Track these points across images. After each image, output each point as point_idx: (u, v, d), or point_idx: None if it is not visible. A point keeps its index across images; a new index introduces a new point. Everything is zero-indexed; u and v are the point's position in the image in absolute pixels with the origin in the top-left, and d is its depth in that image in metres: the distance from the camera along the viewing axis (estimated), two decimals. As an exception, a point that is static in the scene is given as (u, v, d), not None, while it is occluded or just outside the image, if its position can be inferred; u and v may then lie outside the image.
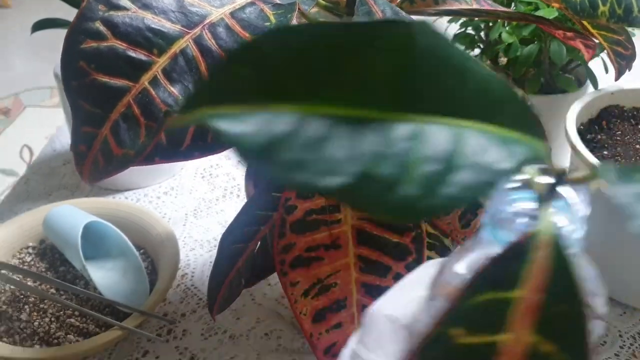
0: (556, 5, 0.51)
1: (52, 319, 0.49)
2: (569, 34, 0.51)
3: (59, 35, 0.41)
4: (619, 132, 0.56)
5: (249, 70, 0.17)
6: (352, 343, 0.29)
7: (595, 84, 0.63)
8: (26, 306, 0.50)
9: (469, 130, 0.18)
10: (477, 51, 0.66)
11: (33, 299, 0.51)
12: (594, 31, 0.52)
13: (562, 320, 0.17)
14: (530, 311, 0.17)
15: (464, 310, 0.18)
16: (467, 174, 0.18)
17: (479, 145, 0.18)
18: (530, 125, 0.20)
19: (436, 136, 0.18)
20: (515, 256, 0.18)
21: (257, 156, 0.16)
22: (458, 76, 0.19)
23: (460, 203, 0.17)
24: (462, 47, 0.19)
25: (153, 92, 0.35)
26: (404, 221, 0.15)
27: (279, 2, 0.39)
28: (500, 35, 0.62)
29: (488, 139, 0.19)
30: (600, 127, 0.57)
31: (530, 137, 0.20)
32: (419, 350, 0.18)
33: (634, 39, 0.55)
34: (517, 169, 0.19)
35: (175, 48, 0.35)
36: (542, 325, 0.17)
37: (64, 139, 0.78)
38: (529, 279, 0.18)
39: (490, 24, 0.65)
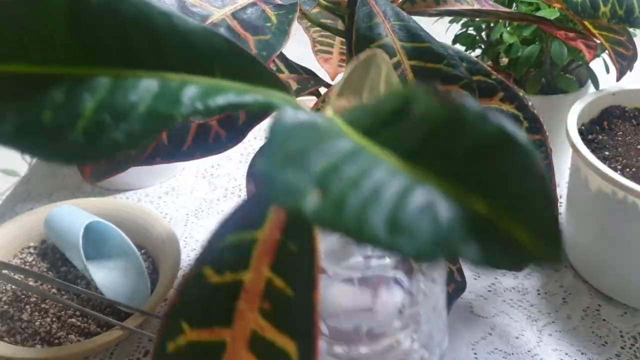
0: (557, 5, 0.51)
1: (54, 319, 0.49)
2: (570, 34, 0.51)
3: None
4: (620, 133, 0.56)
5: None
6: None
7: (596, 84, 0.63)
8: (27, 306, 0.50)
9: (164, 82, 0.19)
10: (478, 51, 0.66)
11: (34, 299, 0.51)
12: (595, 32, 0.52)
13: (293, 258, 0.18)
14: (268, 250, 0.18)
15: (215, 251, 0.19)
16: (138, 123, 0.18)
17: (166, 95, 0.19)
18: (257, 76, 0.21)
19: (124, 88, 0.19)
20: (264, 198, 0.19)
21: None
22: (154, 32, 0.20)
23: (126, 147, 0.18)
24: (161, 5, 0.20)
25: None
26: (72, 165, 0.18)
27: (280, 2, 0.39)
28: (501, 36, 0.62)
29: (179, 89, 0.19)
30: (601, 128, 0.57)
31: (250, 85, 0.21)
32: (180, 289, 0.19)
33: (635, 39, 0.55)
34: (199, 113, 0.19)
35: (177, 48, 0.35)
36: (276, 262, 0.18)
37: (65, 139, 0.78)
38: (271, 220, 0.19)
39: (492, 25, 0.65)
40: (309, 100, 0.48)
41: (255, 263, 0.18)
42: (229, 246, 0.19)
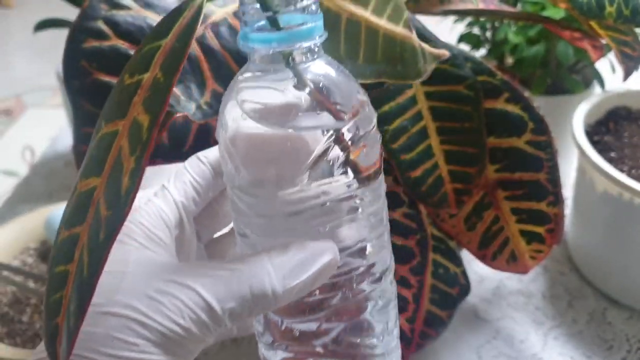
0: (563, 5, 0.50)
1: (53, 322, 0.49)
2: (576, 34, 0.50)
3: (61, 35, 0.40)
4: (627, 134, 0.55)
5: None
6: None
7: (602, 85, 0.62)
8: (27, 308, 0.50)
9: None
10: (483, 51, 0.66)
11: (34, 301, 0.50)
12: (601, 32, 0.52)
13: (174, 55, 0.23)
14: (164, 53, 0.23)
15: (134, 60, 0.25)
16: None
17: None
18: None
19: None
20: (175, 14, 0.24)
21: None
22: None
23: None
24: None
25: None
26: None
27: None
28: (506, 36, 0.61)
29: None
30: (607, 129, 0.56)
31: None
32: (110, 95, 0.25)
33: (641, 39, 0.54)
34: None
35: (178, 47, 0.35)
36: (164, 62, 0.23)
37: (66, 140, 0.78)
38: (174, 31, 0.24)
39: (497, 24, 0.64)
40: None
41: (154, 65, 0.23)
42: (143, 54, 0.24)
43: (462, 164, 0.43)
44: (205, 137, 0.38)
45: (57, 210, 0.55)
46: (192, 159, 0.31)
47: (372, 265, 0.28)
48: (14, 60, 2.04)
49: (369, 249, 0.28)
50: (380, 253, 0.29)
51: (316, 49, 0.26)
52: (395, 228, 0.44)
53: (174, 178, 0.30)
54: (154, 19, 0.36)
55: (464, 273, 0.48)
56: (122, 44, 0.35)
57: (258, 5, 0.25)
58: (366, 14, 0.30)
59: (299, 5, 0.25)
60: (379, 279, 0.29)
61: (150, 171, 0.73)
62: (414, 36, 0.32)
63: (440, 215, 0.46)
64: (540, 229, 0.45)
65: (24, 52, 2.06)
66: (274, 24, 0.25)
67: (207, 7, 0.36)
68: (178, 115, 0.35)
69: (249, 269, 0.25)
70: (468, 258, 0.52)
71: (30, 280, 0.52)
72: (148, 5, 0.36)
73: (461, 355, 0.50)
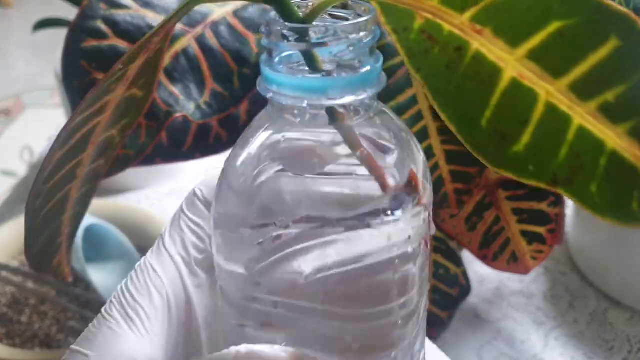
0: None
1: (53, 322, 0.49)
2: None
3: (60, 35, 0.40)
4: (627, 134, 0.55)
5: None
6: None
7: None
8: (26, 309, 0.50)
9: None
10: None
11: (33, 301, 0.50)
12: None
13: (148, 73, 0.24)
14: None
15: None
16: None
17: None
18: None
19: None
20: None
21: None
22: None
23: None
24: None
25: (154, 92, 0.34)
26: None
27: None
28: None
29: None
30: (608, 129, 0.56)
31: None
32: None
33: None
34: None
35: (177, 47, 0.35)
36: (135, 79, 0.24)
37: (65, 140, 0.77)
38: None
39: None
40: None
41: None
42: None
43: (463, 164, 0.43)
44: (204, 138, 0.38)
45: (56, 211, 0.55)
46: (188, 196, 0.26)
47: None
48: (13, 60, 2.04)
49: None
50: None
51: (372, 102, 0.19)
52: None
53: (170, 225, 0.26)
54: (153, 18, 0.36)
55: (465, 273, 0.48)
56: (121, 44, 0.35)
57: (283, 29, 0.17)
58: (578, 107, 0.17)
59: (351, 37, 0.17)
60: None
61: (150, 171, 0.73)
62: None
63: (440, 215, 0.46)
64: (541, 230, 0.45)
65: (23, 52, 2.06)
66: (311, 62, 0.17)
67: (206, 7, 0.36)
68: (177, 115, 0.35)
69: None
70: (469, 258, 0.51)
71: (29, 280, 0.52)
72: (147, 5, 0.36)
73: (462, 355, 0.50)
